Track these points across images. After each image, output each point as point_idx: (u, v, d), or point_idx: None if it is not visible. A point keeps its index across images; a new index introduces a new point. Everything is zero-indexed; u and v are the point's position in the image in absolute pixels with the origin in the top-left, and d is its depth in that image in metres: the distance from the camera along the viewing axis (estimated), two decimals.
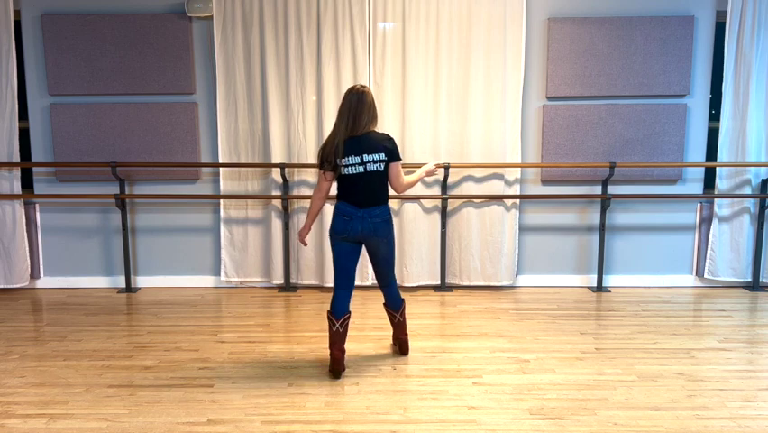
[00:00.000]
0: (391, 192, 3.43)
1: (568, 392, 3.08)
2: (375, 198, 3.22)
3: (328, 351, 3.33)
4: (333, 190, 3.37)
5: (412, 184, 3.37)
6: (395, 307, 3.49)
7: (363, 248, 3.38)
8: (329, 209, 4.81)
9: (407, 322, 3.78)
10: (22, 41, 4.84)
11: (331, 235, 3.28)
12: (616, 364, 3.43)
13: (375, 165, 3.17)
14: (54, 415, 2.88)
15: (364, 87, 3.21)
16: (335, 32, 4.67)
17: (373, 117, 3.21)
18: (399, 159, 3.25)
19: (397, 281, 4.91)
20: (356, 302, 4.62)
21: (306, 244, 3.48)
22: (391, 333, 3.67)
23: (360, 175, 3.17)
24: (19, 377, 3.31)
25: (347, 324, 3.29)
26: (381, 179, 3.22)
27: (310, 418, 2.83)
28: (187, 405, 2.96)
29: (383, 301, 3.53)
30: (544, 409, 2.91)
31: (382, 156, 3.17)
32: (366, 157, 3.15)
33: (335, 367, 3.25)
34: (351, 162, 3.15)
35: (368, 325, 4.12)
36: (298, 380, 3.24)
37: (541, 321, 4.20)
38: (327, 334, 3.43)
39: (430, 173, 3.56)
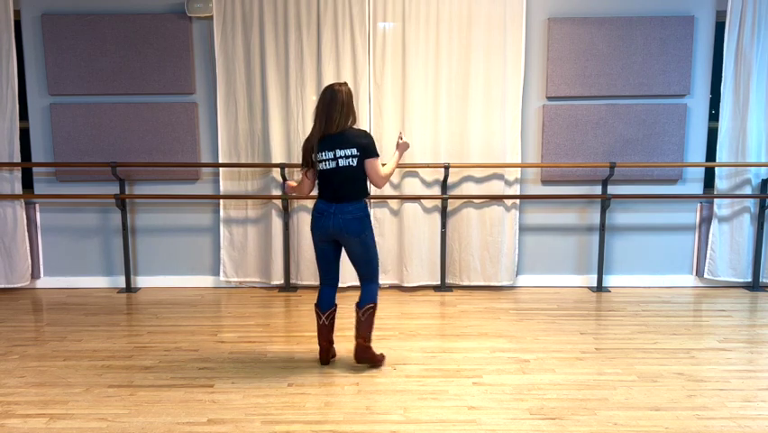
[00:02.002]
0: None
1: (568, 392, 3.08)
2: (347, 194, 3.19)
3: (319, 346, 3.45)
4: None
5: (392, 172, 3.33)
6: (359, 303, 3.30)
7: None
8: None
9: (374, 332, 3.45)
10: (22, 41, 4.84)
11: (311, 234, 3.32)
12: (616, 364, 3.43)
13: (347, 160, 3.15)
14: (54, 415, 2.88)
15: (341, 84, 3.19)
16: (335, 32, 4.67)
17: (348, 115, 3.18)
18: (376, 155, 3.20)
19: (397, 281, 4.93)
20: (354, 302, 4.61)
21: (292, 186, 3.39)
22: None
23: (332, 171, 3.17)
24: (19, 377, 3.31)
25: (333, 317, 3.41)
26: (354, 174, 3.18)
27: (310, 418, 2.83)
28: (187, 405, 2.96)
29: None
30: (543, 409, 2.91)
31: (354, 151, 3.15)
32: (338, 152, 3.15)
33: (322, 356, 3.42)
34: (324, 158, 3.17)
35: None
36: (298, 380, 3.24)
37: (541, 321, 4.19)
38: None
39: (402, 148, 3.46)
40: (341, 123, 3.15)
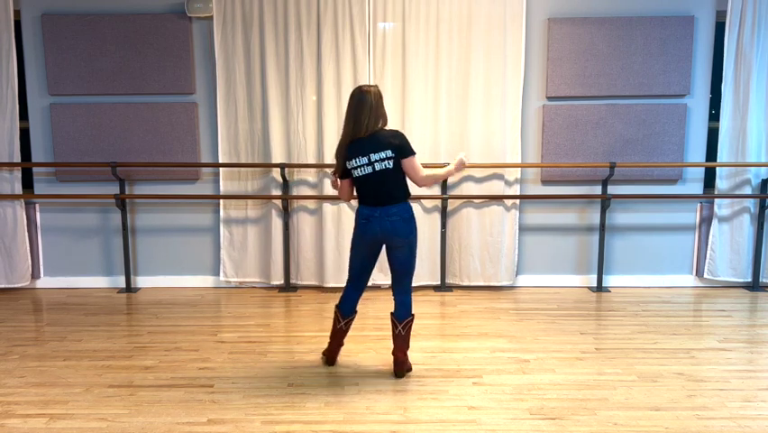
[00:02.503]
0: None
1: (568, 392, 3.08)
2: (389, 197, 3.11)
3: (328, 346, 3.46)
4: None
5: (438, 178, 3.26)
6: (399, 316, 3.22)
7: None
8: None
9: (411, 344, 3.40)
10: (22, 41, 4.84)
11: (353, 237, 3.24)
12: (616, 364, 3.43)
13: (383, 163, 3.06)
14: (54, 415, 2.88)
15: (370, 86, 3.11)
16: (335, 32, 4.67)
17: (378, 117, 3.10)
18: (412, 153, 3.11)
19: None
20: (358, 307, 4.62)
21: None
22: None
23: (369, 175, 3.09)
24: (19, 377, 3.31)
25: (351, 324, 3.38)
26: (393, 176, 3.10)
27: (310, 418, 2.83)
28: (187, 405, 2.96)
29: (392, 310, 3.30)
30: (543, 409, 2.91)
31: (389, 153, 3.06)
32: (373, 156, 3.06)
33: (330, 357, 3.43)
34: (359, 164, 3.08)
35: (368, 325, 4.12)
36: (298, 380, 3.24)
37: (541, 321, 4.19)
38: (328, 333, 3.54)
39: (460, 167, 3.31)
40: (370, 125, 3.06)
